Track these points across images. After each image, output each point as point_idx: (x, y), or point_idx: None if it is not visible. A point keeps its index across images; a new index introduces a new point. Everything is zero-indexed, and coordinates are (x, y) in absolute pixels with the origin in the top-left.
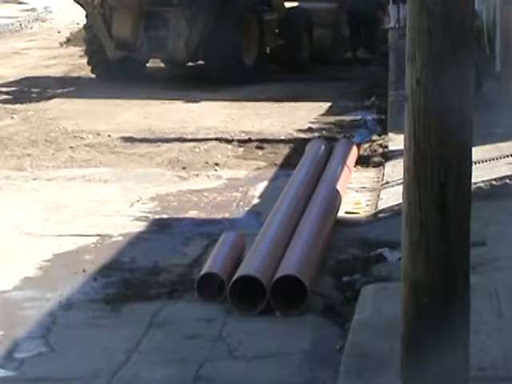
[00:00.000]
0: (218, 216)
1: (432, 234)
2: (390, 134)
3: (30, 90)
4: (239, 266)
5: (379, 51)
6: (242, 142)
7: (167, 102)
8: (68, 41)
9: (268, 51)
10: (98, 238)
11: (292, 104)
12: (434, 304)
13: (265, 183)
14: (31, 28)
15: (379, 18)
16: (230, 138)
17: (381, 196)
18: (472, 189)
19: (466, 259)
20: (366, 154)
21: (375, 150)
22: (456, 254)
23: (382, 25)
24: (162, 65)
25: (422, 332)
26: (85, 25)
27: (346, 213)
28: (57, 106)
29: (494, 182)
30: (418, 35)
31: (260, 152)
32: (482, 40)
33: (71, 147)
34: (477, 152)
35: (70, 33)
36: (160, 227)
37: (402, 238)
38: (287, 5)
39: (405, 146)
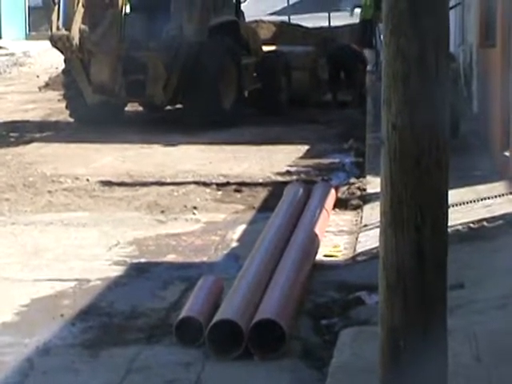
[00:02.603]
0: (197, 260)
1: (409, 278)
2: (368, 177)
3: (8, 134)
4: (217, 309)
5: (358, 94)
6: (220, 186)
7: (145, 145)
8: (47, 85)
9: (246, 94)
10: (76, 282)
11: (270, 147)
12: (411, 348)
13: (243, 226)
14: (10, 72)
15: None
16: (208, 181)
17: (359, 239)
18: (449, 232)
19: (443, 303)
20: (344, 196)
21: (353, 193)
22: (433, 297)
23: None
24: (141, 108)
25: (400, 376)
26: (63, 69)
27: (325, 256)
28: (35, 151)
29: (472, 225)
30: (394, 80)
31: (238, 195)
32: (459, 82)
33: (49, 191)
34: (454, 195)
35: (49, 77)
36: (138, 271)
37: (379, 281)
38: (265, 48)
39: (381, 189)
